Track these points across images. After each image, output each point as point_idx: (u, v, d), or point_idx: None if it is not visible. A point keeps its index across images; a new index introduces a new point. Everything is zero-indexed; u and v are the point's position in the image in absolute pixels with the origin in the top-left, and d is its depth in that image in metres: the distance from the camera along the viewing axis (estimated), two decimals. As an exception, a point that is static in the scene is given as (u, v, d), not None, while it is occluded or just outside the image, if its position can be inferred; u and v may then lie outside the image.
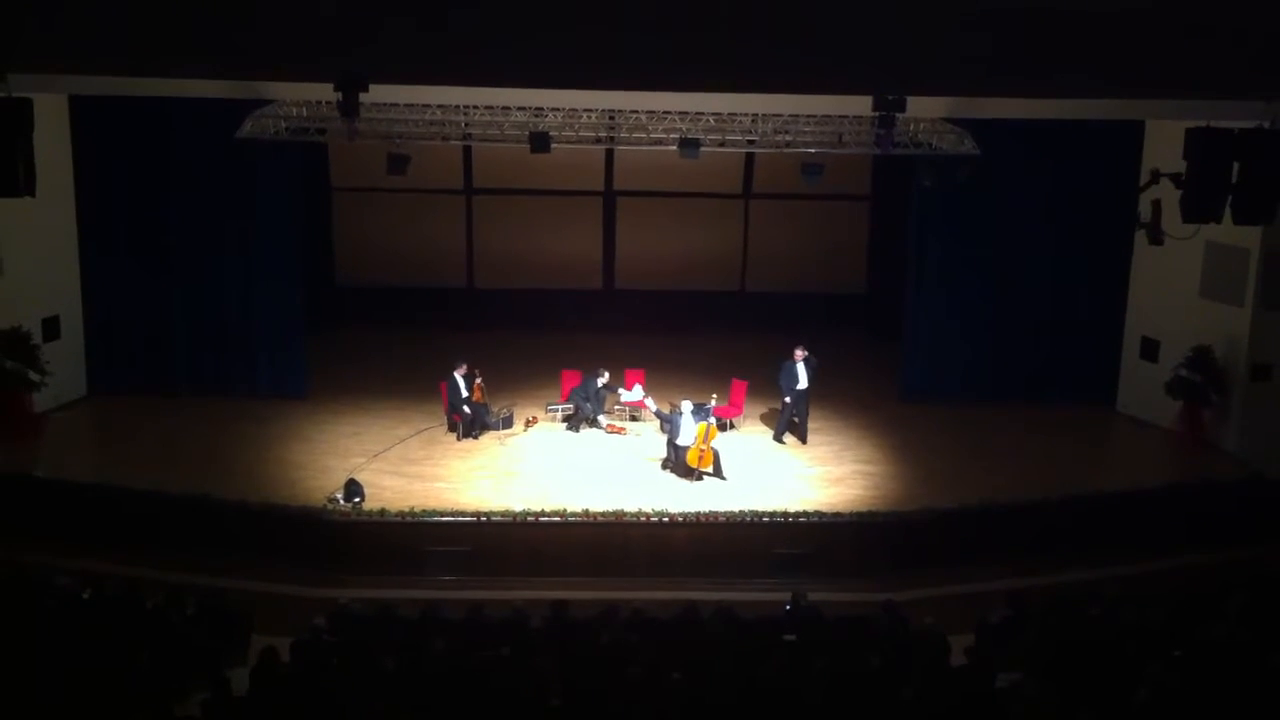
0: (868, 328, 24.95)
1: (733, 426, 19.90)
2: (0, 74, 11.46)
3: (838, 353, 21.89)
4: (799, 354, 19.10)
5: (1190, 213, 12.43)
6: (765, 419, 20.34)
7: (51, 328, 19.93)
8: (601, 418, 19.81)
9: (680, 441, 17.88)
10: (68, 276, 20.45)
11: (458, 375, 19.28)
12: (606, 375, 19.86)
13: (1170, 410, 19.83)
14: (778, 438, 19.45)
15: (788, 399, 19.32)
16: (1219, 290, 19.15)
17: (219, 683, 10.93)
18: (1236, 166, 12.10)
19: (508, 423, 19.56)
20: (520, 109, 16.91)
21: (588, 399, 19.71)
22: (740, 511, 16.31)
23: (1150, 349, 20.68)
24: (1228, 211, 12.32)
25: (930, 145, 17.70)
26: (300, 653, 12.19)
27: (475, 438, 19.20)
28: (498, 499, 16.82)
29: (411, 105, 16.76)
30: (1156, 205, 13.79)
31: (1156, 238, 13.69)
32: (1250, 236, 17.77)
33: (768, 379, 20.00)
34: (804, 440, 19.39)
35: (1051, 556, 16.29)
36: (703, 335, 24.54)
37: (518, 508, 16.30)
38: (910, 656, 12.36)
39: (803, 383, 19.14)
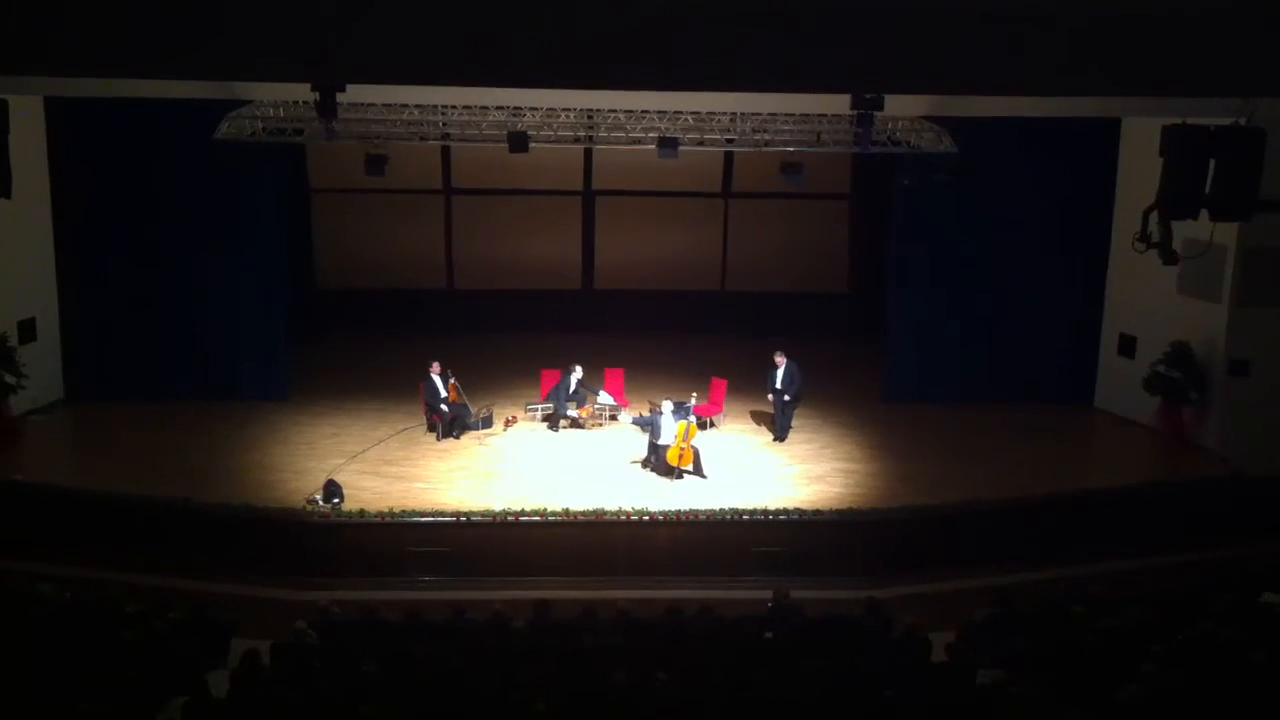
0: (849, 327, 24.95)
1: (713, 425, 19.90)
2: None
3: (819, 352, 21.92)
4: (776, 359, 19.19)
5: (1167, 210, 12.45)
6: (746, 417, 20.34)
7: (28, 330, 19.79)
8: (573, 412, 19.80)
9: (661, 441, 17.88)
10: (44, 278, 20.32)
11: (434, 375, 19.26)
12: (580, 370, 19.85)
13: (1149, 407, 19.92)
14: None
15: (769, 396, 19.43)
16: (1196, 287, 19.23)
17: (198, 686, 10.89)
18: (1213, 164, 12.13)
19: (487, 423, 19.54)
20: (498, 108, 16.91)
21: (564, 398, 19.72)
22: (721, 510, 16.29)
23: (1128, 346, 20.78)
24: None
25: (909, 144, 17.75)
26: (281, 656, 12.15)
27: (455, 438, 19.17)
28: (478, 499, 16.79)
29: (389, 105, 16.72)
30: (1168, 224, 13.68)
31: (1170, 258, 13.55)
32: (1227, 233, 17.84)
33: (748, 378, 20.04)
34: (781, 438, 19.43)
35: (1033, 554, 16.31)
36: (683, 335, 24.53)
37: (498, 508, 16.27)
38: (892, 654, 12.38)
39: (776, 384, 19.21)
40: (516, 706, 10.58)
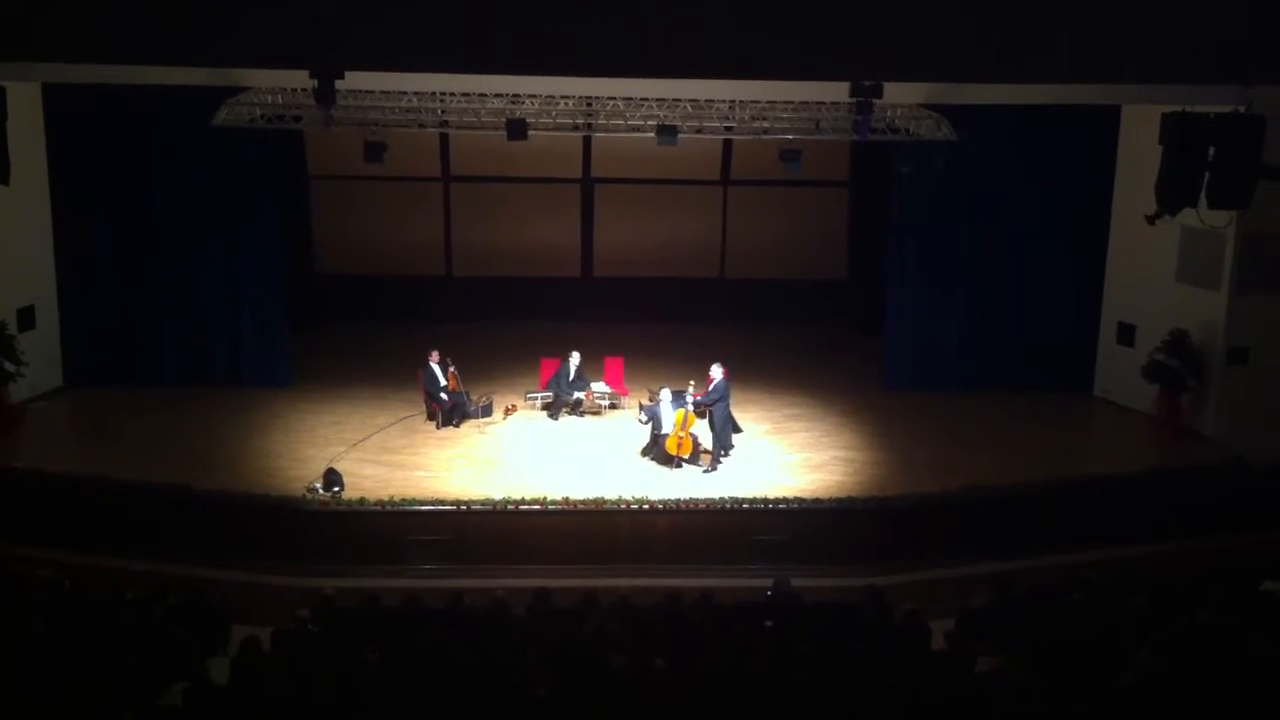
0: (848, 315, 24.95)
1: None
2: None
3: (818, 340, 21.88)
4: (712, 372, 17.96)
5: (1166, 198, 12.47)
6: (745, 405, 20.29)
7: (27, 318, 19.76)
8: (579, 393, 19.80)
9: (662, 430, 17.87)
10: (43, 266, 20.29)
11: (432, 363, 19.26)
12: (578, 356, 19.86)
13: (1148, 395, 19.92)
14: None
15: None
16: (1195, 274, 19.23)
17: (199, 672, 10.91)
18: (1212, 151, 12.14)
19: (487, 411, 19.55)
20: (497, 96, 16.88)
21: (564, 383, 19.71)
22: (721, 498, 16.31)
23: (1127, 334, 20.77)
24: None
25: (908, 131, 17.72)
26: (282, 643, 12.17)
27: (455, 426, 19.18)
28: (478, 488, 16.79)
29: (388, 92, 16.69)
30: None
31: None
32: (1226, 220, 17.82)
33: (746, 366, 20.03)
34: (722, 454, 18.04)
35: (1032, 542, 16.34)
36: (682, 323, 24.51)
37: (498, 496, 16.28)
38: (892, 642, 12.39)
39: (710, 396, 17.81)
40: (516, 693, 10.60)
